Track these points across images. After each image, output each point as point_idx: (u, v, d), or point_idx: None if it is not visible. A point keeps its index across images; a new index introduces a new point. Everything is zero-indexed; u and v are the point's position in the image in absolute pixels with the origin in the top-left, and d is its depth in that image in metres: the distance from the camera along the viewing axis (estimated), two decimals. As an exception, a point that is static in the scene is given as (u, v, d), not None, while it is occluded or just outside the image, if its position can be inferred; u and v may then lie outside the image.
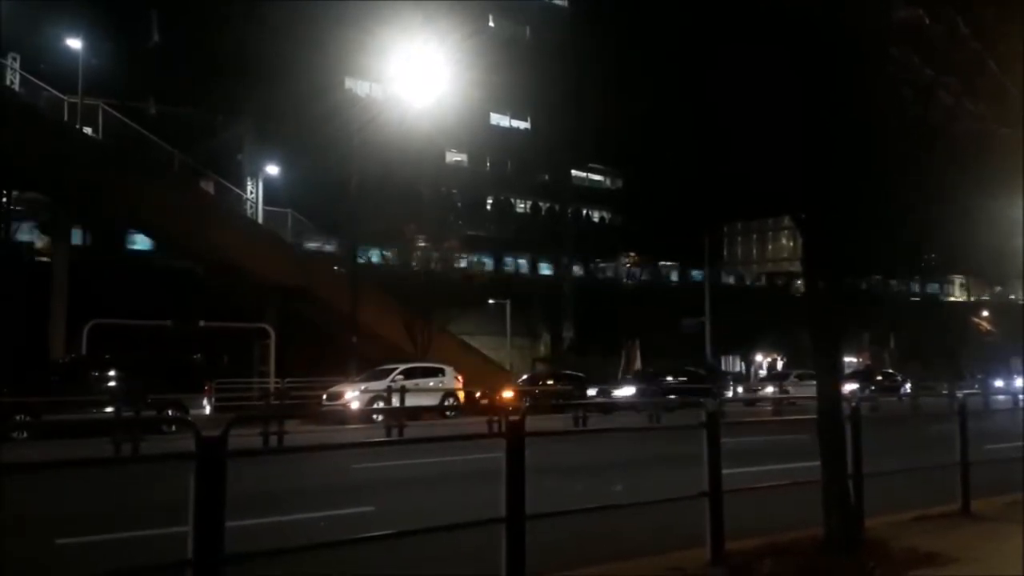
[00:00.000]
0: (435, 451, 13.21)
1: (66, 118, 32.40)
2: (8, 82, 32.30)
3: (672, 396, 28.89)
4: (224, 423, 4.64)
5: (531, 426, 5.80)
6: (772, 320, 47.87)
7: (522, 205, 55.55)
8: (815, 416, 7.08)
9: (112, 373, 22.20)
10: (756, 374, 53.19)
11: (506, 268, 51.02)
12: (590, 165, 58.89)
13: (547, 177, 55.67)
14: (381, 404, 23.99)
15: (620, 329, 44.51)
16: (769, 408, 29.63)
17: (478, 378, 31.71)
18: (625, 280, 53.94)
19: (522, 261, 53.49)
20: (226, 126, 40.14)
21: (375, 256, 36.55)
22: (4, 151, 28.54)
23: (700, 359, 43.55)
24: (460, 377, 29.46)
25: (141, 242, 40.48)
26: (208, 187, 37.14)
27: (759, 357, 57.12)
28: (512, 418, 5.71)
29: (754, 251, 47.68)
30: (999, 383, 45.86)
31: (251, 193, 40.47)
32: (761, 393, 37.17)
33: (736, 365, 57.55)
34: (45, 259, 34.16)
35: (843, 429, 7.15)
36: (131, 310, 27.82)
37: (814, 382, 7.35)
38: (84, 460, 5.03)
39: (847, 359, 47.42)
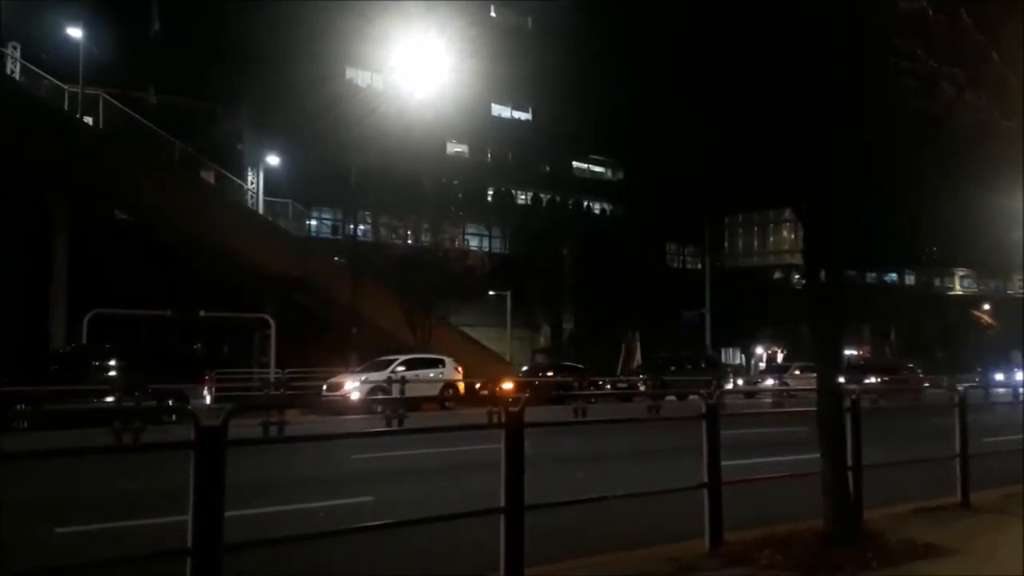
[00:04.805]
0: (435, 442, 13.21)
1: (67, 107, 32.41)
2: (9, 71, 32.27)
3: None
4: (224, 412, 4.64)
5: (530, 416, 5.80)
6: (773, 312, 47.90)
7: (523, 197, 55.41)
8: (814, 408, 7.09)
9: (112, 362, 22.23)
10: (756, 367, 53.17)
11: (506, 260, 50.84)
12: (592, 156, 58.73)
13: (548, 168, 55.54)
14: (381, 395, 24.02)
15: (620, 321, 44.50)
16: (769, 400, 29.70)
17: (478, 369, 31.73)
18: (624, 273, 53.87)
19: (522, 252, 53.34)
20: (227, 116, 40.09)
21: (376, 247, 36.52)
22: (4, 140, 28.52)
23: (700, 351, 43.58)
24: (460, 368, 29.46)
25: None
26: (209, 177, 37.15)
27: (759, 350, 57.12)
28: (511, 409, 5.70)
29: (755, 243, 47.53)
30: (999, 376, 45.99)
31: (251, 183, 40.48)
32: (761, 386, 37.22)
33: (736, 357, 57.55)
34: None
35: (843, 421, 7.16)
36: (132, 299, 27.85)
37: (815, 375, 7.35)
38: (84, 449, 5.03)
39: (848, 352, 47.45)
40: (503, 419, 5.66)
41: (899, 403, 24.17)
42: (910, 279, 71.83)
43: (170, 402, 19.94)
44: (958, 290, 74.90)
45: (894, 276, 69.48)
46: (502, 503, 5.51)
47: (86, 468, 10.64)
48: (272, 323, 31.24)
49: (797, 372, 36.33)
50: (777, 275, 55.82)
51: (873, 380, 29.76)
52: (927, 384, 35.17)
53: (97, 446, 9.55)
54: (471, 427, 10.38)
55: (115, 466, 11.17)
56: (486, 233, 52.02)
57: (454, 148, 51.57)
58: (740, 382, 39.82)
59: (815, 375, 7.27)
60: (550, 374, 34.09)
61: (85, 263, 31.61)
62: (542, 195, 55.12)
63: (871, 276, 64.38)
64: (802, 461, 8.26)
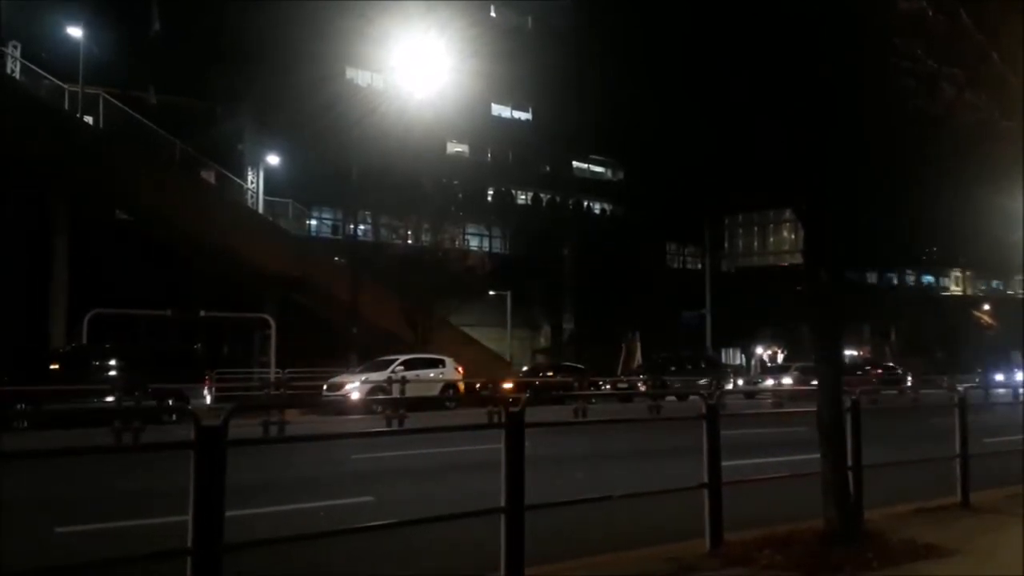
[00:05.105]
0: (435, 442, 13.22)
1: (67, 107, 32.40)
2: (9, 71, 32.26)
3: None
4: (224, 412, 4.64)
5: (531, 416, 5.80)
6: (773, 313, 47.88)
7: (523, 197, 55.42)
8: (814, 408, 7.09)
9: (112, 362, 22.23)
10: (756, 367, 53.14)
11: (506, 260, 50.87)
12: (592, 156, 58.76)
13: (548, 168, 55.58)
14: (381, 395, 24.03)
15: (620, 321, 44.50)
16: (769, 401, 29.67)
17: (479, 369, 31.73)
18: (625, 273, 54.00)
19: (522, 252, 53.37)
20: (227, 116, 40.11)
21: (376, 247, 36.53)
22: (4, 140, 28.53)
23: (700, 351, 43.57)
24: (461, 368, 29.46)
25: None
26: (209, 177, 37.15)
27: (759, 350, 57.11)
28: (512, 409, 5.70)
29: (755, 243, 47.59)
30: (999, 376, 45.99)
31: (252, 183, 40.48)
32: (760, 386, 37.18)
33: (736, 358, 57.52)
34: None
35: (843, 421, 7.15)
36: (132, 299, 27.86)
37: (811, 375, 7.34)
38: (85, 449, 5.03)
39: (848, 352, 47.44)
40: (503, 419, 5.67)
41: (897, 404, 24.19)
42: (910, 279, 71.69)
43: (170, 402, 19.92)
44: (958, 290, 74.74)
45: (894, 276, 69.38)
46: (502, 503, 5.51)
47: (86, 468, 10.65)
48: (272, 323, 31.23)
49: (796, 373, 36.26)
50: (777, 275, 55.84)
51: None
52: (876, 381, 35.00)
53: (97, 446, 9.57)
54: (471, 427, 10.37)
55: (115, 466, 11.18)
56: (486, 233, 52.03)
57: (454, 148, 51.55)
58: (740, 382, 39.81)
59: (806, 375, 7.27)
60: (550, 374, 34.08)
61: (85, 263, 31.62)
62: (542, 195, 55.15)
63: (871, 276, 64.33)
64: (802, 461, 8.26)
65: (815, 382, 7.12)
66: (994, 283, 74.91)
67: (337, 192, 38.85)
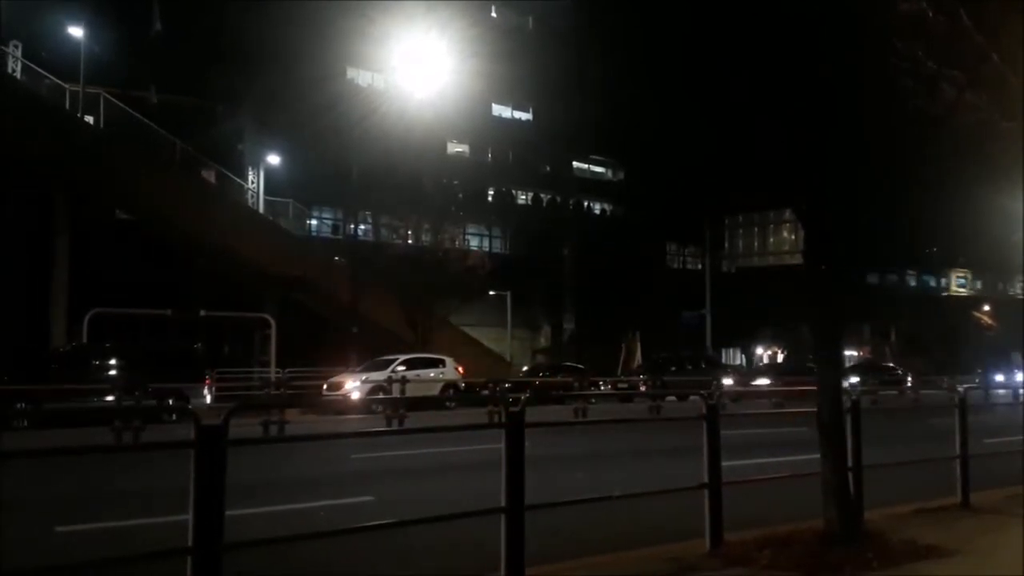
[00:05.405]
0: (435, 442, 13.22)
1: (67, 106, 32.41)
2: (10, 70, 32.27)
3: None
4: (224, 412, 4.64)
5: (531, 416, 5.80)
6: (773, 313, 47.89)
7: (523, 197, 55.42)
8: (814, 409, 7.09)
9: (113, 362, 22.24)
10: (756, 367, 53.17)
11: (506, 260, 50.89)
12: (592, 157, 58.75)
13: (548, 168, 55.58)
14: (381, 395, 24.03)
15: (620, 321, 44.49)
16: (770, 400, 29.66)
17: (479, 369, 31.73)
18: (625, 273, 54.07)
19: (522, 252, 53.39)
20: (227, 116, 40.11)
21: (376, 246, 36.53)
22: (5, 139, 28.54)
23: (701, 351, 43.57)
24: (461, 368, 29.46)
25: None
26: (209, 176, 37.16)
27: (759, 350, 57.12)
28: (512, 409, 5.70)
29: (755, 244, 47.52)
30: (999, 377, 45.99)
31: (252, 183, 40.49)
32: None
33: (737, 358, 57.54)
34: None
35: (843, 421, 7.15)
36: (132, 299, 27.88)
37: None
38: (85, 448, 5.04)
39: (848, 352, 47.48)
40: (503, 419, 5.67)
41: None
42: (910, 279, 71.64)
43: (170, 401, 19.92)
44: (959, 291, 74.68)
45: (894, 276, 69.33)
46: (502, 503, 5.51)
47: (86, 467, 10.65)
48: (272, 323, 31.24)
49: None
50: (777, 275, 55.79)
51: (766, 381, 29.23)
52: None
53: (97, 445, 9.59)
54: (471, 427, 10.39)
55: (115, 465, 11.18)
56: (486, 233, 52.03)
57: (455, 148, 51.51)
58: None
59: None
60: (550, 374, 34.06)
61: (85, 263, 31.64)
62: (542, 195, 55.14)
63: (871, 276, 64.27)
64: (802, 461, 8.27)
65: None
66: (1006, 287, 74.75)
67: (337, 192, 38.85)
